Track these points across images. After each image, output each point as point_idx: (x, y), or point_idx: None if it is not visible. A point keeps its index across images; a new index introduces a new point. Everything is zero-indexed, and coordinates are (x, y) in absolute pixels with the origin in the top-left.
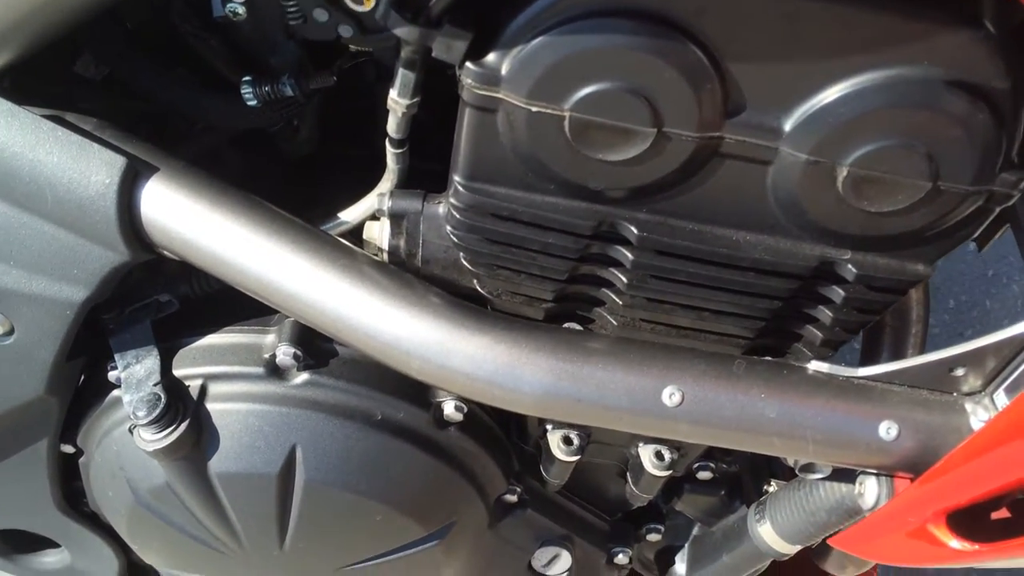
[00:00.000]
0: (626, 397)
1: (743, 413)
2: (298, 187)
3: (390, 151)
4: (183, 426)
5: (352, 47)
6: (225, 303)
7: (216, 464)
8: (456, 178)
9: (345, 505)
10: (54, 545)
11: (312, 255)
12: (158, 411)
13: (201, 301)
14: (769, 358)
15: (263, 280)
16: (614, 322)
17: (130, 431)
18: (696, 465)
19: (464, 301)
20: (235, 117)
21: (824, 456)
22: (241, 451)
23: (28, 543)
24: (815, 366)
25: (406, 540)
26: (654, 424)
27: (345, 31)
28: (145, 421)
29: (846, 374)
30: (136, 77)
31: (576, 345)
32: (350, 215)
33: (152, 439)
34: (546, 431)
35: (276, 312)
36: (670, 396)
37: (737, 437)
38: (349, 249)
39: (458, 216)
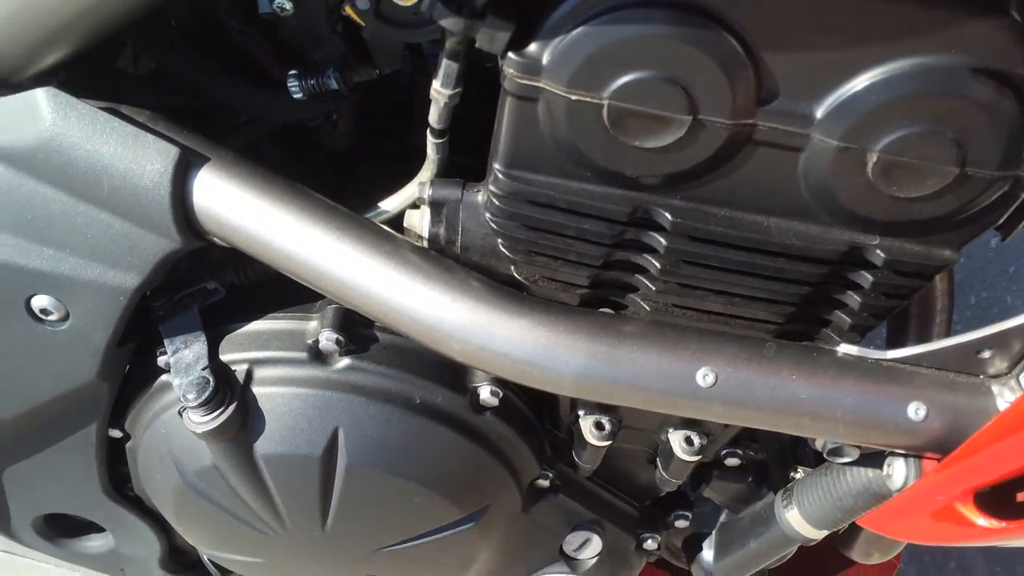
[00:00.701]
0: (661, 378)
1: (775, 394)
2: (336, 180)
3: (431, 140)
4: (231, 409)
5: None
6: (268, 290)
7: (261, 446)
8: (496, 166)
9: (385, 487)
10: (98, 530)
11: (358, 242)
12: (207, 394)
13: (246, 288)
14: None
15: (310, 266)
16: (647, 307)
17: (179, 414)
18: (724, 451)
19: (503, 286)
20: (281, 110)
21: (854, 436)
22: (285, 433)
23: (73, 527)
24: (844, 348)
25: (443, 522)
26: (688, 405)
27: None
28: (195, 404)
29: (875, 356)
30: (183, 72)
31: (612, 328)
32: (390, 204)
33: (201, 421)
34: (578, 417)
35: (317, 299)
36: (704, 377)
37: (769, 417)
38: (392, 236)
39: (497, 203)
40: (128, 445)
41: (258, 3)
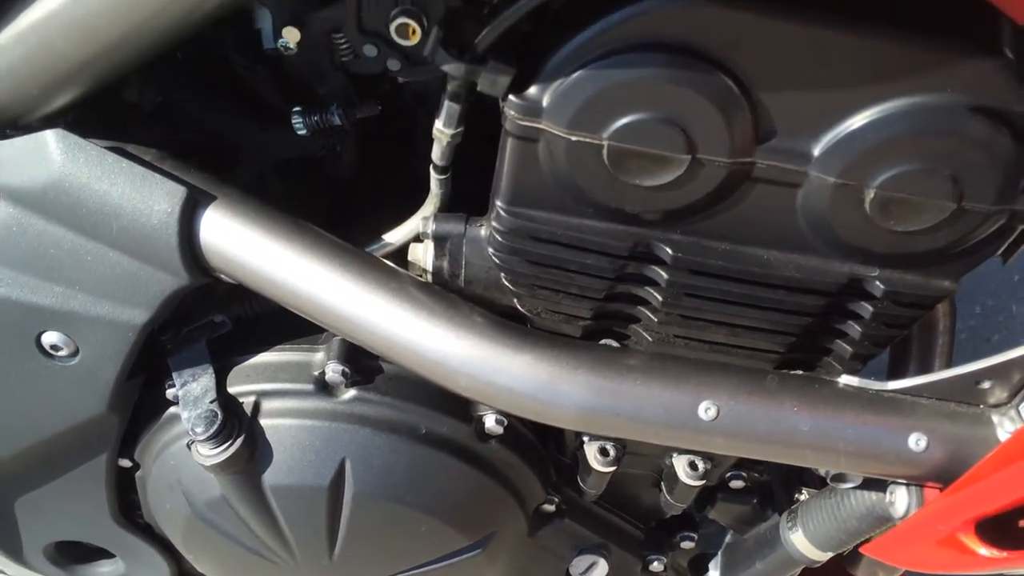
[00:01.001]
0: (663, 412)
1: (777, 426)
2: (339, 210)
3: (434, 177)
4: (239, 441)
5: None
6: (274, 323)
7: (269, 477)
8: (498, 203)
9: (392, 516)
10: (108, 556)
11: (362, 278)
12: (215, 427)
13: (251, 321)
14: (800, 372)
15: (316, 302)
16: (649, 338)
17: (188, 446)
18: (729, 474)
19: (507, 320)
20: (284, 145)
21: (855, 467)
22: (293, 465)
23: (84, 554)
24: (845, 380)
25: (450, 549)
26: (691, 438)
27: (393, 65)
28: (203, 437)
29: (875, 387)
30: (188, 107)
31: (615, 362)
32: (393, 237)
33: (209, 454)
34: (583, 443)
35: (322, 331)
36: (706, 411)
37: (771, 449)
38: (396, 272)
39: (500, 239)
40: (138, 474)
41: (262, 40)
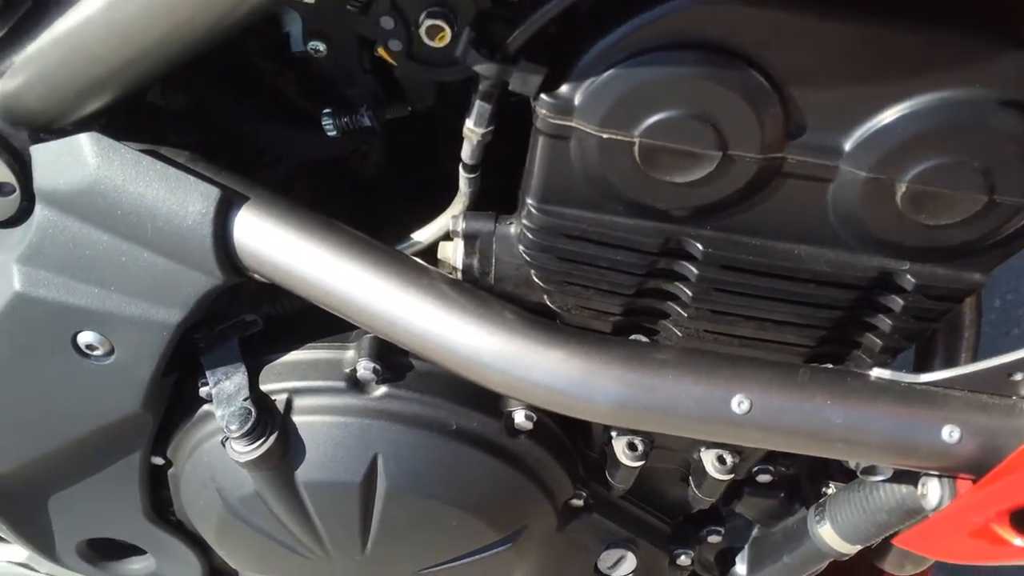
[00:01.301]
0: (696, 406)
1: (810, 419)
2: (363, 210)
3: (463, 175)
4: (272, 438)
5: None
6: (304, 322)
7: (302, 473)
8: (529, 201)
9: (423, 511)
10: (140, 552)
11: (395, 275)
12: (249, 424)
13: (282, 320)
14: (831, 366)
15: (350, 300)
16: (678, 333)
17: (222, 443)
18: (756, 468)
19: (538, 317)
20: (313, 147)
21: (888, 459)
22: (325, 461)
23: (115, 551)
24: (877, 372)
25: (481, 544)
26: (724, 432)
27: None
28: (238, 434)
29: (908, 380)
30: (216, 110)
31: (647, 356)
32: (422, 236)
33: (244, 451)
34: (611, 438)
35: (352, 329)
36: (739, 404)
37: (804, 442)
38: (428, 270)
39: (531, 236)
40: (170, 471)
41: (291, 43)
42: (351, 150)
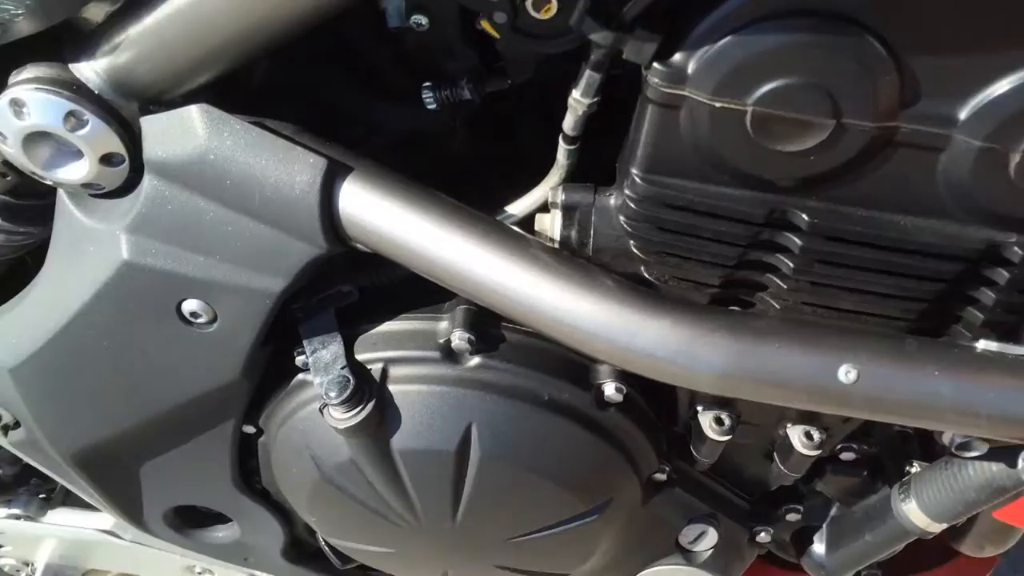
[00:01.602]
0: (803, 375)
1: (917, 390)
2: (454, 184)
3: (563, 147)
4: (370, 406)
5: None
6: (396, 294)
7: (398, 441)
8: (633, 171)
9: (515, 481)
10: (223, 521)
11: (500, 245)
12: (348, 392)
13: (376, 292)
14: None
15: (454, 270)
16: (776, 306)
17: (320, 411)
18: (840, 446)
19: (641, 286)
20: (407, 121)
21: (996, 431)
22: (421, 429)
23: (200, 519)
24: (983, 344)
25: (569, 515)
26: (830, 402)
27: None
28: (337, 401)
29: (1015, 352)
30: (315, 84)
31: (753, 326)
32: (517, 208)
33: (342, 418)
34: (696, 412)
35: (443, 302)
36: (846, 374)
37: (911, 413)
38: (531, 240)
39: (633, 207)
40: (261, 440)
41: (387, 18)
42: (445, 124)
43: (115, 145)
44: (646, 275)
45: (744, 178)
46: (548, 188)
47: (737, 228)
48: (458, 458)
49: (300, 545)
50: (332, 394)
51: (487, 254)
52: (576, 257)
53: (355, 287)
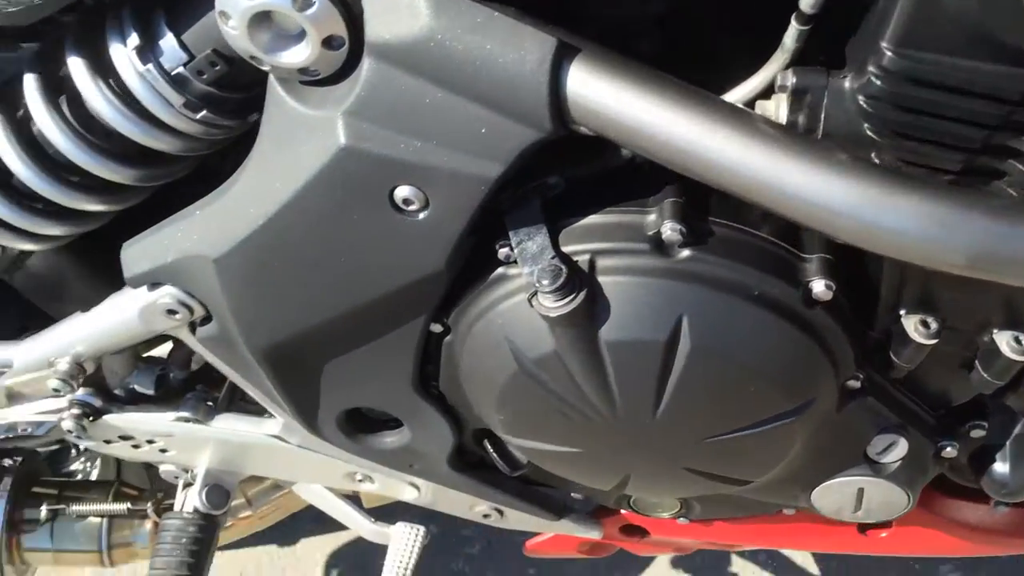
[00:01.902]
0: None
1: None
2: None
3: (794, 26)
4: (581, 295)
5: None
6: (601, 187)
7: (606, 332)
8: (884, 44)
9: (723, 374)
10: (391, 428)
11: (737, 125)
12: (561, 280)
13: (580, 184)
14: None
15: (689, 151)
16: (1014, 194)
17: (529, 301)
18: None
19: (882, 166)
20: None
21: None
22: (630, 320)
23: (368, 424)
24: None
25: (770, 414)
26: None
27: None
28: (549, 289)
29: None
30: None
31: (1007, 205)
32: (737, 94)
33: (554, 306)
34: (899, 316)
35: (647, 196)
36: None
37: None
38: (765, 120)
39: (879, 83)
40: (447, 339)
41: None
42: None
43: (339, 27)
44: (876, 162)
45: (1006, 52)
46: (771, 73)
47: (990, 107)
48: (667, 350)
49: (465, 454)
50: (545, 282)
51: (725, 134)
52: (813, 138)
53: (561, 179)
